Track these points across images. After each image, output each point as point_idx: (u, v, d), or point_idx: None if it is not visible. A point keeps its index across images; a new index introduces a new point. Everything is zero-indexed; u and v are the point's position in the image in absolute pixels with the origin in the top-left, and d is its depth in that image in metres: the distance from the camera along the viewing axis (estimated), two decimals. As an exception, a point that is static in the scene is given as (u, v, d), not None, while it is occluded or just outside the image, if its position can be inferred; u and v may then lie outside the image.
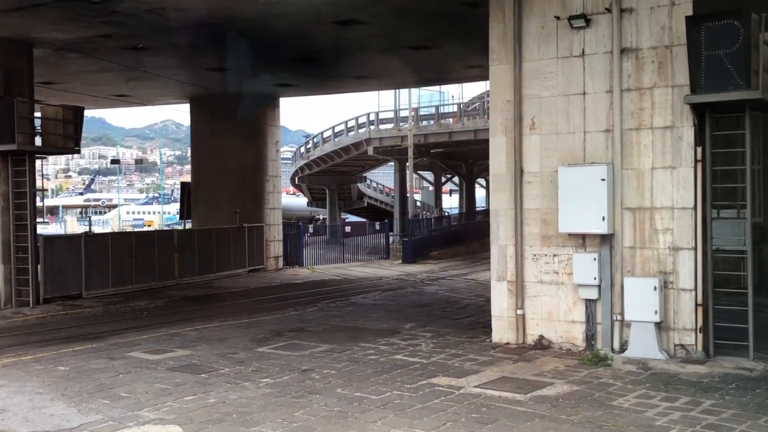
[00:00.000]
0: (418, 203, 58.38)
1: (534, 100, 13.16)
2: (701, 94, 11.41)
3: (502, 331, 13.52)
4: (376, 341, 14.21)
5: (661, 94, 12.08)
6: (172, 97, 30.50)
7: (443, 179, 55.75)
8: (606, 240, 12.48)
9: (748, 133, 11.61)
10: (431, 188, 54.55)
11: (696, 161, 11.89)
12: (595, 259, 12.48)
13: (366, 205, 53.85)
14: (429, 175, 54.51)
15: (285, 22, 18.44)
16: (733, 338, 11.86)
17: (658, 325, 12.03)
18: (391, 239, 38.70)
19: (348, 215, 62.26)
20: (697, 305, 11.94)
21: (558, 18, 12.80)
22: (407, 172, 38.01)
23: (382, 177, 57.84)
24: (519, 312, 13.27)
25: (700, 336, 11.93)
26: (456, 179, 55.10)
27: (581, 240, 12.75)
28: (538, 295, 13.17)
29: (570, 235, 12.79)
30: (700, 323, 11.91)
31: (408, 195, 38.56)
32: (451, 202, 67.88)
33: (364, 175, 50.85)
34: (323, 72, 25.14)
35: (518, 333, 13.30)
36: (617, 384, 10.68)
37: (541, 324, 13.15)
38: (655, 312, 11.88)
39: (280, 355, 12.82)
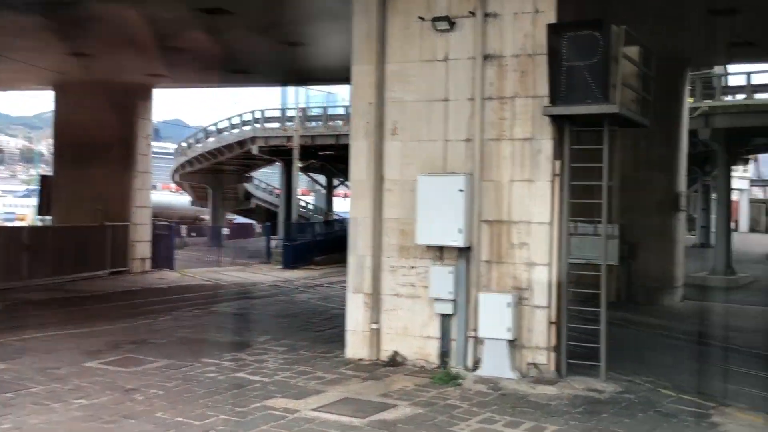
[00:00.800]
0: (311, 206, 57.33)
1: (397, 105, 12.54)
2: (560, 106, 11.05)
3: (356, 346, 12.81)
4: (221, 356, 13.21)
5: (523, 105, 11.68)
6: (34, 83, 28.46)
7: (336, 182, 54.94)
8: (463, 253, 11.98)
9: (606, 148, 11.34)
10: (323, 191, 53.69)
11: (554, 175, 11.54)
12: (451, 272, 11.95)
13: (254, 206, 52.47)
14: (322, 178, 53.65)
15: (147, 6, 17.22)
16: (591, 357, 11.57)
17: (512, 343, 11.60)
18: (274, 243, 37.57)
19: (236, 216, 60.63)
20: (550, 323, 11.58)
21: (422, 19, 12.23)
22: (293, 173, 37.11)
23: (270, 177, 56.56)
24: (374, 326, 12.60)
25: (553, 355, 11.57)
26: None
27: (439, 252, 12.20)
28: (394, 309, 12.53)
29: (428, 247, 12.22)
30: (553, 342, 11.56)
31: (294, 197, 37.60)
32: (347, 206, 66.74)
33: (251, 175, 49.47)
34: (195, 63, 23.88)
35: (372, 348, 12.62)
36: (463, 406, 10.13)
37: (397, 339, 12.52)
38: (508, 329, 11.44)
39: (108, 372, 11.66)
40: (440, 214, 11.84)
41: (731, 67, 30.04)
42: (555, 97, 11.04)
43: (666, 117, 21.78)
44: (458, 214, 11.75)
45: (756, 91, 25.90)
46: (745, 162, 44.79)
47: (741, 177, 67.31)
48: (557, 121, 11.44)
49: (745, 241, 47.54)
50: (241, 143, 40.97)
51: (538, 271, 11.60)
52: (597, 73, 10.71)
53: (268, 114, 40.94)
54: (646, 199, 21.89)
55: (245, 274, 30.53)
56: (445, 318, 12.14)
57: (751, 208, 70.68)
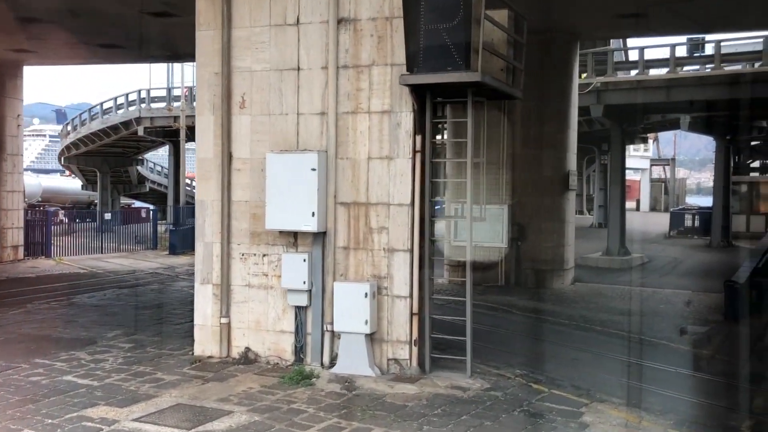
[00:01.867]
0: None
1: (245, 75, 11.24)
2: (418, 75, 9.98)
3: (205, 342, 11.55)
4: (57, 356, 11.77)
5: (380, 74, 10.57)
6: None
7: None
8: (318, 239, 10.82)
9: (470, 121, 10.36)
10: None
11: (415, 151, 10.48)
12: (305, 260, 10.79)
13: (148, 190, 50.06)
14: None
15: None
16: (462, 350, 10.65)
17: (370, 337, 10.55)
18: (164, 228, 35.68)
19: (133, 201, 57.97)
20: (412, 314, 10.56)
21: (271, -22, 10.95)
22: (181, 155, 35.22)
23: (162, 159, 54.11)
24: (224, 320, 11.35)
25: (415, 349, 10.57)
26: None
27: (293, 238, 11.02)
28: (245, 301, 11.30)
29: (281, 232, 11.02)
30: (415, 335, 10.54)
31: (182, 180, 35.71)
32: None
33: (143, 157, 47.04)
34: (61, 37, 21.90)
35: (223, 345, 11.38)
36: (309, 411, 9.02)
37: (249, 334, 11.30)
38: (366, 322, 10.38)
39: None
40: (292, 196, 10.65)
41: (628, 43, 29.99)
42: (412, 65, 9.96)
43: (556, 93, 21.19)
44: (311, 196, 10.58)
45: (649, 67, 25.65)
46: (644, 141, 45.23)
47: (642, 156, 68.75)
48: (417, 91, 10.38)
49: (644, 220, 48.22)
50: (126, 124, 38.64)
51: (399, 257, 10.55)
52: (457, 37, 9.68)
53: (154, 93, 38.65)
54: (536, 178, 21.27)
55: (128, 261, 28.68)
56: (299, 310, 10.99)
57: (651, 188, 72.31)
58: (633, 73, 26.18)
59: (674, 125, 34.07)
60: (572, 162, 21.83)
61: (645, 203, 67.86)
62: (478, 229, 21.82)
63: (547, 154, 21.19)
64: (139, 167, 47.22)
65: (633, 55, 26.22)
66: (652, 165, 71.87)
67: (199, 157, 11.60)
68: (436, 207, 33.01)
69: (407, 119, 10.44)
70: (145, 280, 22.49)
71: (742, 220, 34.78)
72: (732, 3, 17.52)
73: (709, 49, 23.77)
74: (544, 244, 21.26)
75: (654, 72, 26.14)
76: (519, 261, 21.41)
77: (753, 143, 36.94)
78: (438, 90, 10.40)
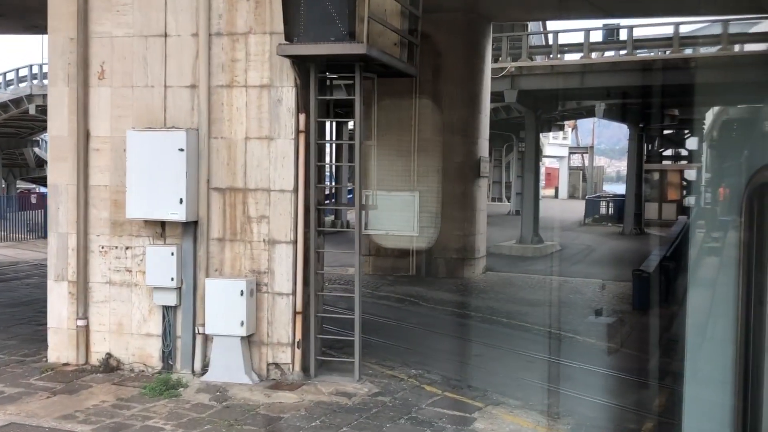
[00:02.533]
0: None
1: (105, 41, 9.85)
2: (297, 45, 8.81)
3: (60, 347, 10.16)
4: None
5: (258, 43, 9.36)
6: None
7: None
8: (189, 229, 9.58)
9: (358, 99, 9.25)
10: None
11: (298, 132, 9.32)
12: (173, 253, 9.53)
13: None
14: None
15: None
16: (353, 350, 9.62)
17: (248, 340, 9.39)
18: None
19: (34, 186, 54.76)
20: (295, 313, 9.43)
21: (134, -69, 9.58)
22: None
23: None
24: (81, 323, 9.99)
25: (298, 352, 9.45)
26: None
27: (160, 229, 9.74)
28: (106, 301, 9.97)
29: (146, 222, 9.72)
30: (298, 336, 9.43)
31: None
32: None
33: (39, 138, 44.11)
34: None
35: (80, 351, 10.02)
36: (166, 428, 7.81)
37: (110, 338, 9.98)
38: (242, 323, 9.21)
39: None
40: (157, 181, 9.36)
41: (549, 28, 29.45)
42: (292, 33, 8.80)
43: (467, 77, 20.33)
44: (179, 180, 9.31)
45: (564, 52, 25.11)
46: (561, 128, 45.14)
47: (561, 144, 69.25)
48: (300, 64, 9.22)
49: (562, 207, 48.33)
50: (16, 102, 36.00)
51: (281, 250, 9.39)
52: (341, 3, 8.55)
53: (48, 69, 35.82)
54: (447, 165, 20.40)
55: (13, 252, 26.59)
56: (168, 311, 9.73)
57: (570, 176, 73.02)
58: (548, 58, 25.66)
59: (590, 113, 33.86)
60: (484, 148, 21.05)
61: (564, 191, 68.40)
62: (389, 217, 20.91)
63: (458, 140, 20.33)
64: (36, 149, 44.34)
65: (550, 41, 25.62)
66: (571, 153, 72.51)
67: (52, 135, 10.18)
68: (348, 196, 31.95)
69: (289, 95, 9.27)
70: (25, 273, 20.68)
71: (654, 207, 34.90)
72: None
73: (623, 35, 23.40)
74: (455, 233, 20.45)
75: (570, 58, 25.67)
76: (430, 250, 20.55)
77: (666, 132, 37.11)
78: (324, 63, 9.27)
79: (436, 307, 16.39)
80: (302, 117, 9.27)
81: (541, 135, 56.95)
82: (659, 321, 15.39)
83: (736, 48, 21.73)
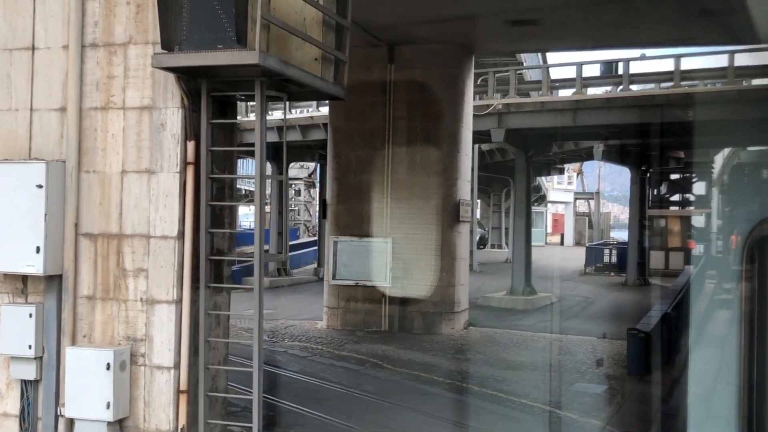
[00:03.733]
0: None
1: (-38, 55, 8.11)
2: (179, 54, 7.02)
3: None
4: None
5: (139, 56, 7.60)
6: None
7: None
8: (53, 285, 7.70)
9: (260, 122, 7.41)
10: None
11: (186, 163, 7.49)
12: (32, 315, 7.64)
13: None
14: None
15: None
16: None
17: (119, 425, 7.44)
18: None
19: None
20: (179, 391, 7.47)
21: None
22: None
23: None
24: (-76, 399, 8.06)
25: (183, 441, 7.47)
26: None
27: (21, 284, 7.87)
28: (-43, 372, 8.04)
29: (6, 275, 7.85)
30: (182, 421, 7.46)
31: None
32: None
33: None
34: None
35: None
36: None
37: (-40, 419, 8.04)
38: (108, 405, 7.27)
39: None
40: (12, 224, 7.52)
41: (532, 62, 27.80)
42: (171, 40, 7.00)
43: (445, 113, 18.62)
44: (37, 224, 7.46)
45: (556, 88, 23.41)
46: (561, 172, 43.30)
47: (566, 189, 67.44)
48: (189, 80, 7.43)
49: (564, 255, 46.29)
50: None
51: (161, 311, 7.49)
52: (229, 3, 6.78)
53: None
54: (423, 209, 18.57)
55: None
56: (27, 386, 7.81)
57: (576, 222, 71.01)
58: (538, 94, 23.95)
59: (590, 155, 32.07)
60: (465, 191, 19.20)
61: (569, 238, 66.29)
62: (359, 265, 18.99)
63: (435, 181, 18.51)
64: None
65: (540, 76, 23.91)
66: (576, 198, 70.65)
67: None
68: (293, 236, 28.99)
69: (174, 119, 7.47)
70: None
71: (660, 256, 32.83)
72: (623, 15, 15.30)
73: (620, 70, 21.69)
74: (432, 284, 18.50)
75: (563, 94, 23.95)
76: (404, 303, 18.60)
77: (671, 175, 35.25)
78: (218, 78, 7.47)
79: (400, 370, 14.36)
80: (191, 145, 7.45)
81: (544, 179, 55.36)
82: (657, 389, 13.36)
83: (744, 82, 19.95)
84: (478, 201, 58.82)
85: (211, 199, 7.58)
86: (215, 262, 7.81)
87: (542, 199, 60.79)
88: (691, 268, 26.75)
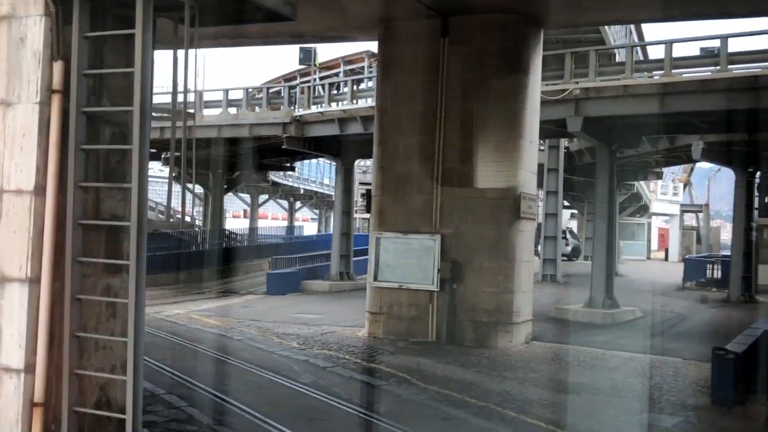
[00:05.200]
0: None
1: None
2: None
3: None
4: None
5: (-3, -51, 5.69)
6: None
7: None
8: None
9: (140, 37, 5.35)
10: None
11: (50, 91, 5.52)
12: None
13: None
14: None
15: None
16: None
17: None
18: None
19: None
20: (32, 404, 5.47)
21: None
22: None
23: None
24: None
25: (35, 471, 5.45)
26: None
27: None
28: None
29: None
30: (35, 444, 5.44)
31: None
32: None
33: None
34: None
35: None
36: None
37: None
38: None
39: None
40: None
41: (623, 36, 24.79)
42: None
43: (505, 93, 16.18)
44: None
45: (641, 70, 20.40)
46: (659, 176, 39.44)
47: (671, 201, 62.78)
48: (56, -20, 5.47)
49: (664, 269, 42.40)
50: None
51: (12, 293, 5.52)
52: None
53: None
54: (478, 203, 16.15)
55: None
56: None
57: (683, 236, 66.10)
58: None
59: (690, 157, 28.60)
60: (528, 183, 16.62)
61: (674, 253, 61.54)
62: (404, 266, 16.73)
63: (491, 171, 16.07)
64: None
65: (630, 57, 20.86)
66: (683, 212, 65.76)
67: None
68: (363, 241, 25.72)
69: (36, 30, 5.51)
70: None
71: (770, 271, 28.91)
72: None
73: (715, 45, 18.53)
74: (487, 289, 16.03)
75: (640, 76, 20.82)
76: (455, 310, 16.20)
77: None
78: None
79: (429, 388, 12.01)
80: (58, 66, 5.47)
81: (645, 188, 51.32)
82: (746, 425, 10.53)
83: None
84: (573, 211, 55.32)
85: (88, 141, 5.56)
86: (110, 233, 5.78)
87: (644, 210, 56.62)
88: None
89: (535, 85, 16.89)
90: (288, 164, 38.65)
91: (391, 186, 16.96)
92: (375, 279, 16.94)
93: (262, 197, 61.54)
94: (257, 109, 27.89)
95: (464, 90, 16.29)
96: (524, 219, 16.45)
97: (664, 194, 61.33)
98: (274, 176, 49.97)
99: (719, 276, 30.02)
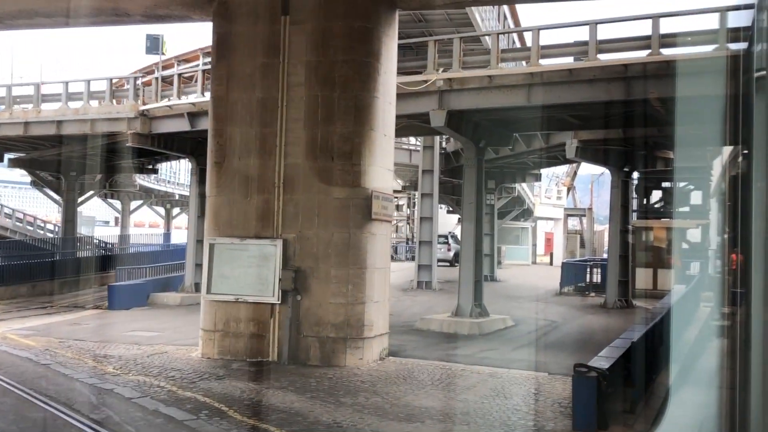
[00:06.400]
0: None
1: None
2: None
3: None
4: None
5: None
6: None
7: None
8: None
9: None
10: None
11: None
12: None
13: None
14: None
15: None
16: None
17: None
18: None
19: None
20: None
21: None
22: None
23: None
24: None
25: None
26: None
27: None
28: None
29: None
30: None
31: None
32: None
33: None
34: None
35: None
36: None
37: None
38: None
39: None
40: None
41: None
42: None
43: (352, 79, 14.36)
44: None
45: (506, 59, 19.01)
46: (537, 178, 38.73)
47: (555, 205, 63.04)
48: None
49: (547, 274, 41.85)
50: None
51: None
52: None
53: None
54: (324, 203, 14.27)
55: None
56: None
57: (567, 240, 66.56)
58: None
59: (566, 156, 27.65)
60: (382, 180, 14.88)
61: (559, 257, 61.85)
62: (241, 276, 14.64)
63: (338, 167, 14.22)
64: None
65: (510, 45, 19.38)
66: (567, 215, 66.23)
67: None
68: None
69: None
70: None
71: (647, 275, 28.35)
72: None
73: (585, 35, 17.33)
74: (333, 300, 14.15)
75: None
76: (298, 325, 14.24)
77: (660, 179, 30.90)
78: None
79: (244, 421, 10.03)
80: None
81: (528, 192, 50.90)
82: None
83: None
84: (458, 216, 54.41)
85: None
86: None
87: (528, 214, 56.36)
88: (680, 289, 22.37)
89: (389, 72, 15.16)
90: (150, 166, 35.73)
91: (228, 185, 14.86)
92: (208, 292, 14.79)
93: (136, 203, 57.90)
94: (101, 103, 25.07)
95: (308, 75, 14.41)
96: (378, 221, 14.68)
97: (548, 198, 61.46)
98: (144, 181, 46.75)
99: (598, 280, 29.31)
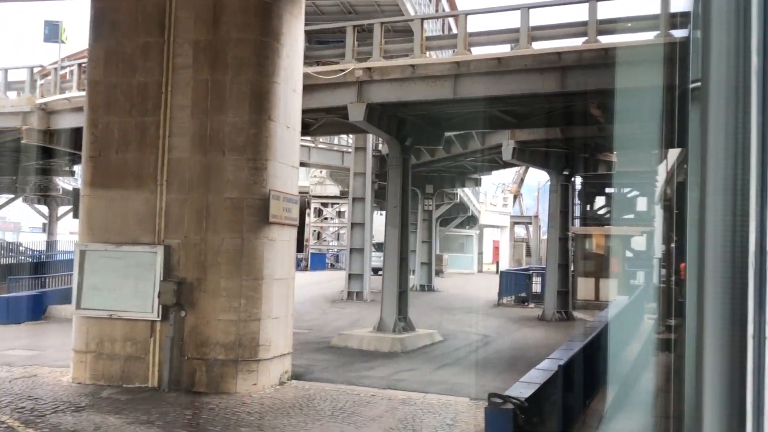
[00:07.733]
0: None
1: None
2: None
3: None
4: None
5: None
6: None
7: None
8: None
9: None
10: None
11: None
12: None
13: None
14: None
15: None
16: None
17: None
18: None
19: None
20: None
21: None
22: None
23: None
24: None
25: None
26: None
27: None
28: None
29: None
30: None
31: None
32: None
33: None
34: None
35: None
36: None
37: None
38: None
39: None
40: None
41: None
42: None
43: (249, 62, 12.50)
44: None
45: (432, 48, 17.37)
46: (477, 183, 37.26)
47: (501, 213, 61.90)
48: None
49: (491, 284, 40.39)
50: None
51: None
52: None
53: None
54: (215, 203, 12.37)
55: None
56: None
57: (514, 249, 65.60)
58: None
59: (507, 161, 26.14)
60: (284, 179, 13.03)
61: (505, 265, 60.72)
62: (115, 288, 12.73)
63: (231, 162, 12.34)
64: None
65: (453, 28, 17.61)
66: (513, 223, 65.23)
67: None
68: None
69: None
70: None
71: (589, 284, 26.99)
72: None
73: (516, 21, 15.74)
74: (223, 317, 12.23)
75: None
76: (181, 346, 12.29)
77: (608, 189, 29.66)
78: None
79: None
80: None
81: (473, 198, 49.49)
82: None
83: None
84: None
85: None
86: None
87: (473, 222, 55.03)
88: (622, 300, 20.94)
89: (294, 55, 13.34)
90: (67, 168, 33.28)
91: (104, 182, 12.86)
92: (78, 306, 12.74)
93: (65, 208, 54.87)
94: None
95: (197, 56, 12.52)
96: (277, 225, 12.82)
97: (494, 205, 60.32)
98: (67, 184, 44.02)
99: (539, 290, 27.86)
